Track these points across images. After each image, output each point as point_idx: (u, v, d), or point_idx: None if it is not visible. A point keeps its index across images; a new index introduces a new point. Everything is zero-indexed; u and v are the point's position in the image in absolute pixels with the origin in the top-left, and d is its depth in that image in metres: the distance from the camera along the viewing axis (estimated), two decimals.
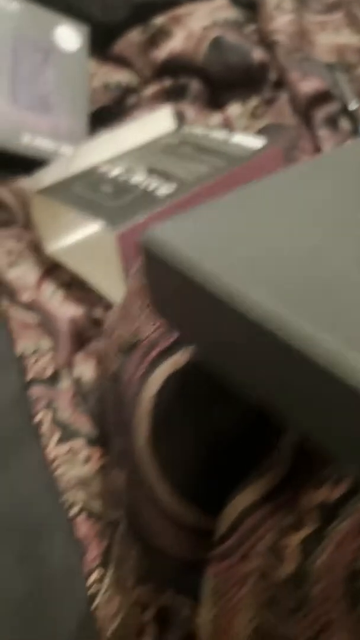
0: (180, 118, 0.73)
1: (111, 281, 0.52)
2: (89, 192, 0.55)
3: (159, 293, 0.23)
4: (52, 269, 0.60)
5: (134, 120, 0.72)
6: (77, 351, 0.49)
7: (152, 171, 0.56)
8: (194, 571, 0.28)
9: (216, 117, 0.75)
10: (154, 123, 0.67)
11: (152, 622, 0.30)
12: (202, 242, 0.21)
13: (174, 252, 0.21)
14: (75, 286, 0.57)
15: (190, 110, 0.75)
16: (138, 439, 0.28)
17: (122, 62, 0.81)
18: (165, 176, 0.54)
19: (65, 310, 0.52)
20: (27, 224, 0.64)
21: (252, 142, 0.60)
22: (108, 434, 0.38)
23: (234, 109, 0.73)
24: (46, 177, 0.58)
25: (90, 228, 0.53)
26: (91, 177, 0.58)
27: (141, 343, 0.29)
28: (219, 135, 0.63)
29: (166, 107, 0.69)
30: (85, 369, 0.48)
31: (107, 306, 0.53)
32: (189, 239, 0.22)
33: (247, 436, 0.27)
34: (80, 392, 0.43)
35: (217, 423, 0.27)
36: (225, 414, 0.27)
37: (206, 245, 0.21)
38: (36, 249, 0.61)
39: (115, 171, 0.58)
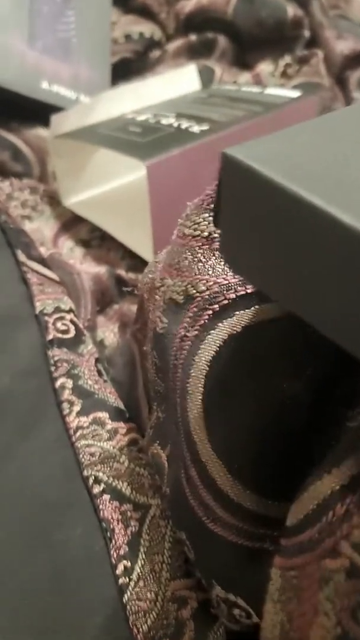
0: (207, 75, 0.68)
1: (139, 230, 0.47)
2: (115, 132, 0.50)
3: (238, 227, 0.18)
4: (69, 225, 0.55)
5: (157, 75, 0.66)
6: (99, 313, 0.44)
7: (182, 115, 0.51)
8: (250, 564, 0.23)
9: (245, 76, 0.69)
10: (179, 80, 0.62)
11: (191, 620, 0.26)
12: (293, 163, 0.17)
13: (267, 169, 0.16)
14: (94, 243, 0.52)
15: (217, 68, 0.70)
16: (190, 409, 0.23)
17: (145, 12, 0.75)
18: (198, 119, 0.49)
19: (87, 267, 0.47)
20: (43, 176, 0.59)
21: (288, 92, 0.55)
22: (137, 405, 0.34)
23: (265, 67, 0.68)
24: (65, 124, 0.53)
25: (117, 166, 0.49)
26: (116, 122, 0.53)
27: (196, 299, 0.24)
28: (252, 88, 0.58)
29: (192, 65, 0.64)
30: (108, 333, 0.43)
31: (130, 266, 0.49)
32: (279, 159, 0.17)
33: (319, 412, 0.23)
34: (103, 358, 0.38)
35: (282, 395, 0.23)
36: (293, 385, 0.23)
37: (301, 166, 0.16)
38: (52, 202, 0.56)
39: (142, 117, 0.53)
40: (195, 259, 0.25)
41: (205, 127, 0.48)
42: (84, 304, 0.43)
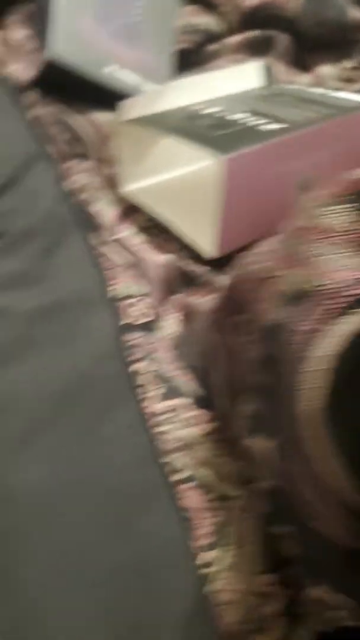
0: (269, 73, 0.67)
1: (201, 224, 0.47)
2: (185, 122, 0.49)
3: None
4: (128, 211, 0.54)
5: (218, 68, 0.66)
6: (166, 302, 0.44)
7: (253, 112, 0.51)
8: None
9: (305, 77, 0.69)
10: (245, 75, 0.61)
11: (278, 616, 0.26)
12: None
13: None
14: (152, 232, 0.52)
15: (276, 67, 0.69)
16: (309, 404, 0.23)
17: (207, 4, 0.75)
18: (269, 116, 0.49)
19: (153, 255, 0.46)
20: (101, 162, 0.58)
21: (356, 97, 0.54)
22: (214, 395, 0.34)
23: (325, 70, 0.67)
24: (133, 110, 0.52)
25: (185, 157, 0.48)
26: (184, 112, 0.53)
27: (320, 292, 0.24)
28: (318, 90, 0.57)
29: (259, 62, 0.63)
30: (171, 323, 0.43)
31: (193, 256, 0.48)
32: None
33: None
34: (175, 346, 0.38)
35: None
36: None
37: None
38: (111, 186, 0.55)
39: (211, 110, 0.52)
40: (321, 251, 0.24)
41: (278, 125, 0.47)
42: (151, 291, 0.42)
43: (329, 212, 0.24)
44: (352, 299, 0.23)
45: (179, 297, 0.45)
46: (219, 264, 0.49)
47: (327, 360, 0.23)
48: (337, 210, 0.24)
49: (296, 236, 0.26)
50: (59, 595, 0.26)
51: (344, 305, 0.23)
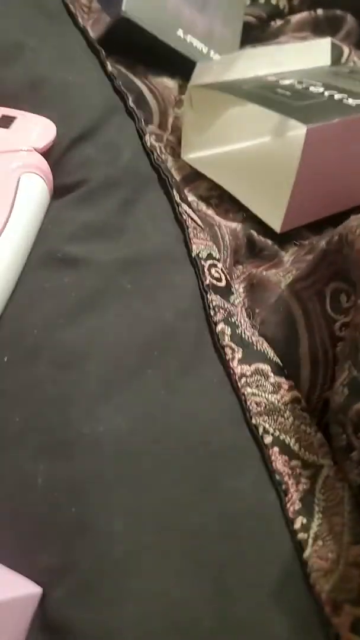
0: (336, 52, 0.66)
1: (271, 195, 0.46)
2: (261, 91, 0.48)
3: None
4: (188, 179, 0.53)
5: (285, 44, 0.64)
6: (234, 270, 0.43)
7: (331, 87, 0.49)
8: None
9: None
10: (313, 52, 0.60)
11: None
12: None
13: None
14: (212, 202, 0.51)
15: (344, 47, 0.68)
16: None
17: None
18: (350, 92, 0.48)
19: (224, 221, 0.45)
20: (162, 127, 0.57)
21: None
22: (297, 364, 0.33)
23: None
24: (207, 75, 0.51)
25: (262, 125, 0.47)
26: (258, 81, 0.51)
27: None
28: None
29: (327, 39, 0.62)
30: (241, 292, 0.42)
31: (257, 228, 0.47)
32: None
33: None
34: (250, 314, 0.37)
35: None
36: None
37: None
38: (173, 153, 0.54)
39: (286, 81, 0.51)
40: None
41: (358, 101, 0.46)
42: (224, 258, 0.41)
43: None
44: None
45: (242, 267, 0.44)
46: (284, 238, 0.48)
47: None
48: None
49: None
50: (142, 553, 0.25)
51: None
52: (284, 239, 0.48)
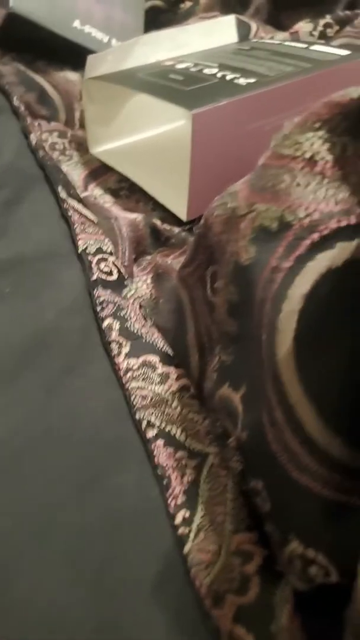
0: (243, 30, 0.65)
1: (173, 182, 0.45)
2: (155, 78, 0.47)
3: None
4: (97, 173, 0.52)
5: (191, 24, 0.63)
6: (135, 261, 0.42)
7: (226, 66, 0.48)
8: (336, 519, 0.22)
9: (281, 34, 0.67)
10: (217, 30, 0.59)
11: (256, 575, 0.24)
12: None
13: None
14: (122, 194, 0.50)
15: (252, 24, 0.67)
16: (279, 347, 0.21)
17: None
18: (243, 71, 0.47)
19: (124, 213, 0.44)
20: (69, 122, 0.56)
21: (336, 50, 0.52)
22: (185, 352, 0.32)
23: (303, 26, 0.65)
24: (101, 66, 0.50)
25: (156, 114, 0.46)
26: (155, 68, 0.50)
27: (293, 226, 0.22)
28: (297, 44, 0.55)
29: (231, 16, 0.61)
30: (141, 284, 0.41)
31: (161, 218, 0.46)
32: None
33: None
34: (145, 305, 0.36)
35: None
36: None
37: None
38: (79, 148, 0.53)
39: (182, 65, 0.50)
40: (295, 182, 0.23)
41: (252, 79, 0.45)
42: (122, 250, 0.40)
43: (303, 141, 0.23)
44: (323, 234, 0.21)
45: (150, 258, 0.43)
46: (191, 225, 0.47)
47: (298, 301, 0.21)
48: (309, 139, 0.22)
49: (274, 166, 0.24)
50: (21, 559, 0.25)
51: (316, 241, 0.21)
52: (193, 225, 0.47)
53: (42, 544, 0.25)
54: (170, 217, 0.48)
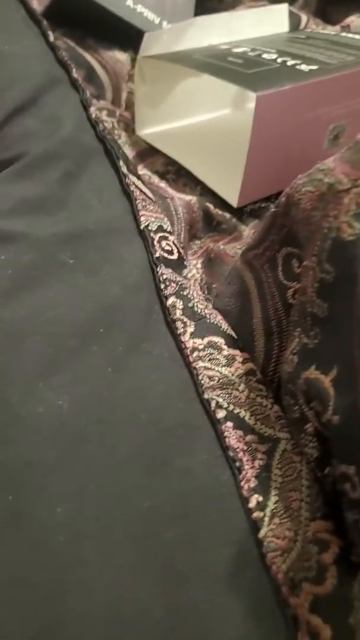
0: (294, 20, 0.64)
1: (227, 167, 0.44)
2: (213, 60, 0.46)
3: None
4: (144, 154, 0.51)
5: (243, 11, 0.62)
6: (190, 244, 0.41)
7: (285, 53, 0.47)
8: None
9: (330, 28, 0.66)
10: (269, 19, 0.58)
11: (333, 565, 0.23)
12: None
13: None
14: (169, 177, 0.49)
15: (302, 15, 0.66)
16: None
17: None
18: (303, 58, 0.46)
19: (177, 194, 0.43)
20: (115, 102, 0.55)
21: None
22: (251, 336, 0.31)
23: (355, 19, 0.64)
24: (156, 45, 0.49)
25: (214, 96, 0.44)
26: (210, 50, 0.49)
27: None
28: (354, 35, 0.54)
29: (284, 5, 0.60)
30: (191, 268, 0.40)
31: (215, 202, 0.45)
32: None
33: None
34: (203, 287, 0.35)
35: None
36: None
37: None
38: (127, 129, 0.52)
39: (239, 49, 0.49)
40: None
41: (314, 66, 0.44)
42: (178, 231, 0.39)
43: None
44: None
45: (200, 242, 0.42)
46: (241, 212, 0.46)
47: None
48: None
49: None
50: (85, 543, 0.24)
51: None
52: (243, 213, 0.46)
53: (108, 528, 0.24)
54: (219, 202, 0.47)
